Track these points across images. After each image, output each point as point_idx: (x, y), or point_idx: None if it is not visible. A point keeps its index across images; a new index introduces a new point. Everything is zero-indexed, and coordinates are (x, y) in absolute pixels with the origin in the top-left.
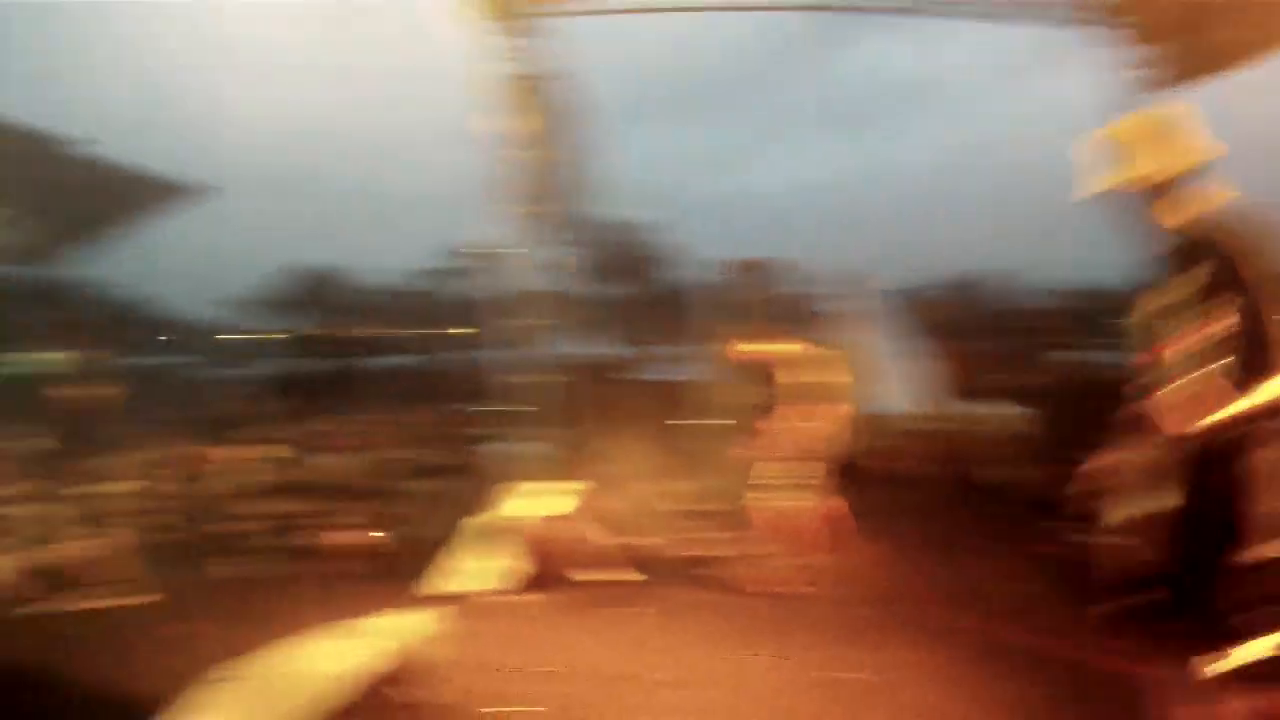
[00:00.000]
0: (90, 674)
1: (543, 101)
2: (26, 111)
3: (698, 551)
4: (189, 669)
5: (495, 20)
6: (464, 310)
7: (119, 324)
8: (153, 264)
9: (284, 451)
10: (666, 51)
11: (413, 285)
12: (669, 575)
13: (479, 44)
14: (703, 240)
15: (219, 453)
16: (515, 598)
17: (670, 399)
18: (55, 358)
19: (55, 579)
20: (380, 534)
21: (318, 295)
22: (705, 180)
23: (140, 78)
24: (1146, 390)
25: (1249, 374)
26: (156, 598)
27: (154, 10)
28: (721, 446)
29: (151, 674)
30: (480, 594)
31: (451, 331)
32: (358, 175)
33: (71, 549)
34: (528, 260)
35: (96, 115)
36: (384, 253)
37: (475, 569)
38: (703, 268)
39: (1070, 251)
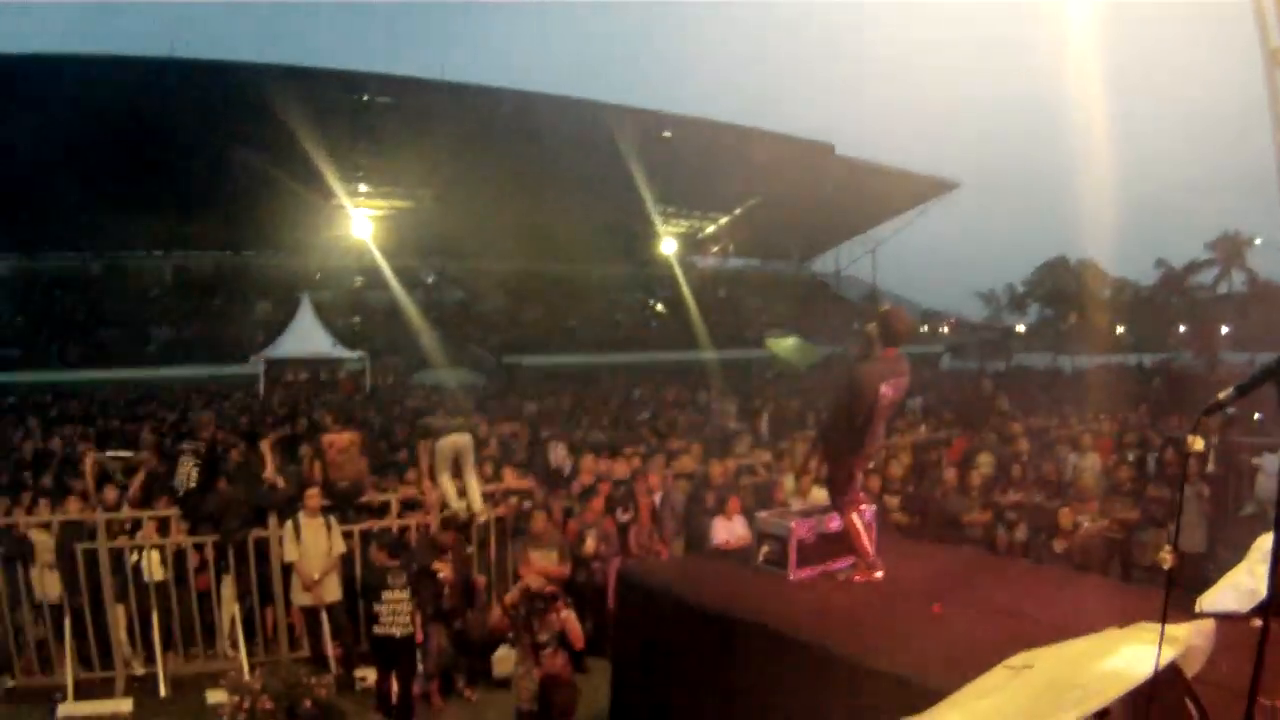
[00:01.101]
0: (853, 644)
1: None
2: (782, 119)
3: None
4: (946, 651)
5: None
6: (1223, 308)
7: (866, 314)
8: (908, 258)
9: (1023, 445)
10: None
11: (1168, 280)
12: None
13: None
14: None
15: (958, 440)
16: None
17: None
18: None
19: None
20: (1123, 536)
21: (1070, 289)
22: None
23: (891, 78)
24: None
25: None
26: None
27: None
28: None
29: (909, 651)
30: (1240, 615)
31: (1207, 330)
32: (1112, 164)
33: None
34: None
35: (853, 117)
36: (1139, 245)
37: (1239, 588)
38: None
39: None
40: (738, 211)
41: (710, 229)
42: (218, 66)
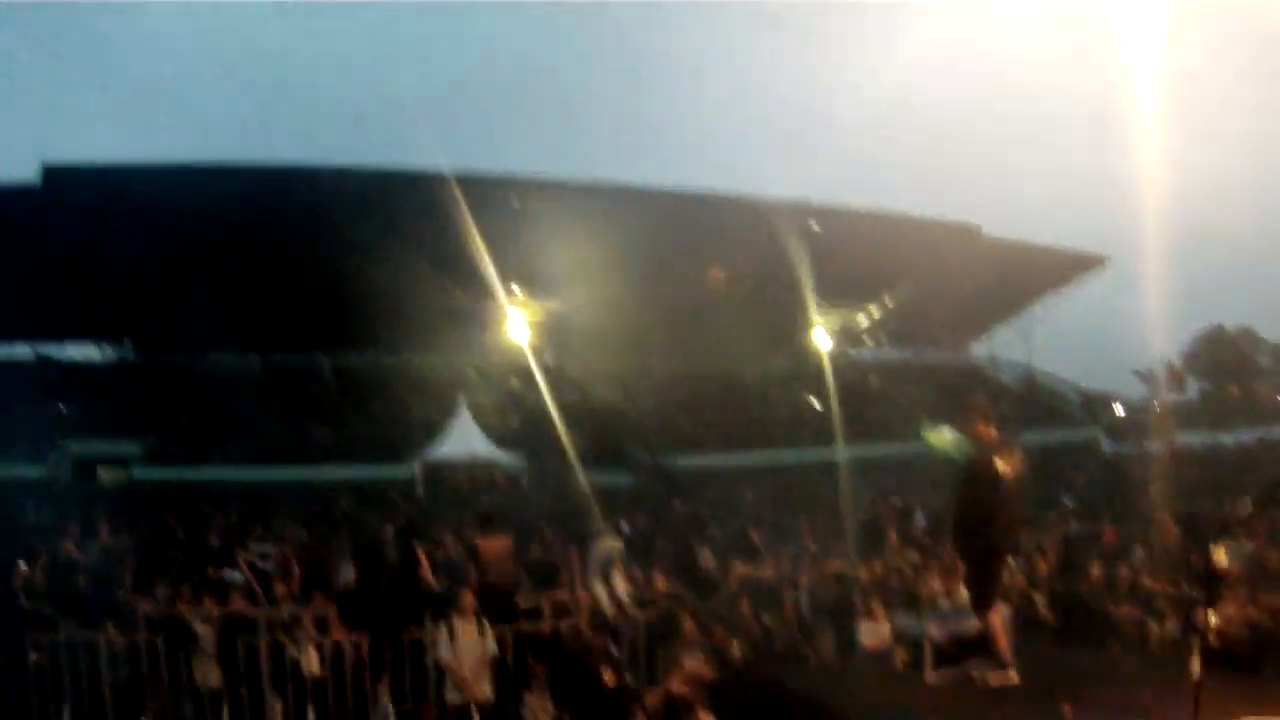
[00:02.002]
0: None
1: None
2: (918, 203)
3: None
4: None
5: None
6: None
7: (1024, 399)
8: (1056, 338)
9: (1174, 533)
10: None
11: None
12: None
13: None
14: None
15: (1108, 532)
16: None
17: None
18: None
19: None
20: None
21: (1228, 360)
22: None
23: (1031, 152)
24: None
25: None
26: (1018, 679)
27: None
28: None
29: None
30: None
31: None
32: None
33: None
34: None
35: (995, 197)
36: None
37: None
38: None
39: None
40: (888, 301)
41: (861, 320)
42: (374, 173)
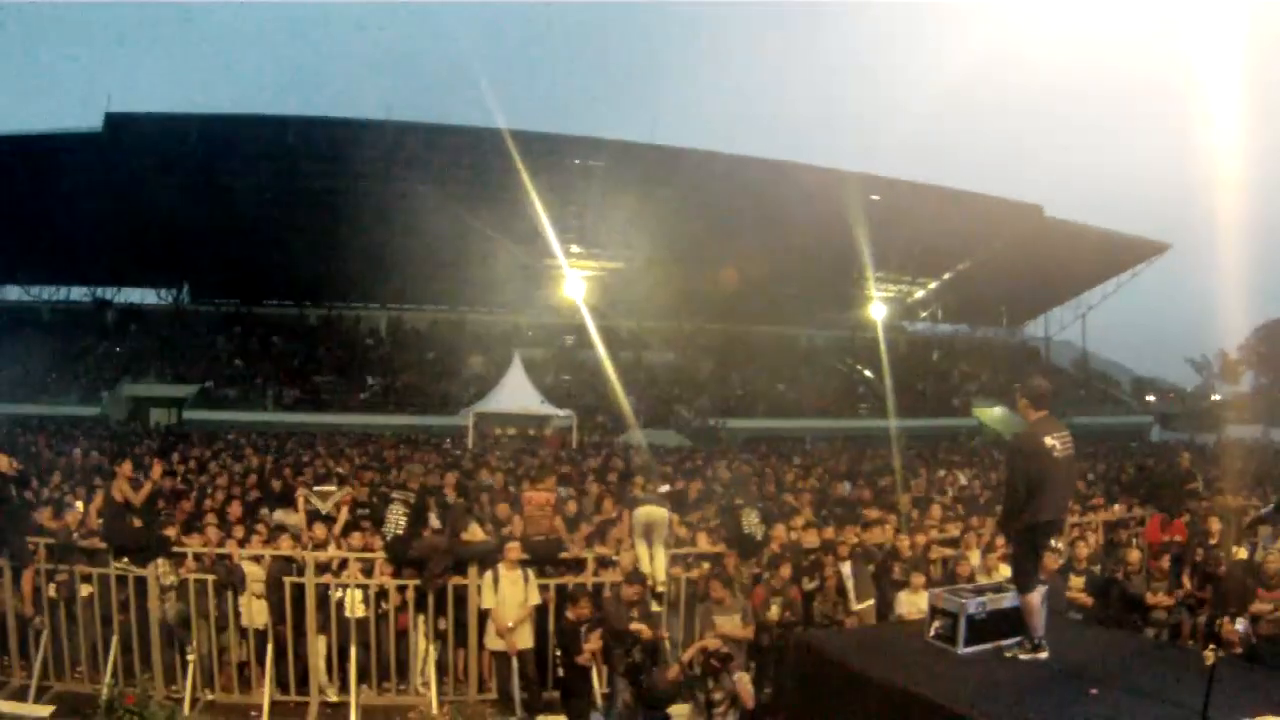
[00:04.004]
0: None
1: None
2: (990, 182)
3: None
4: None
5: None
6: None
7: (1076, 382)
8: (1119, 323)
9: (1214, 525)
10: None
11: None
12: None
13: None
14: None
15: (1153, 519)
16: None
17: None
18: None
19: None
20: None
21: None
22: None
23: (1100, 136)
24: None
25: None
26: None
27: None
28: None
29: None
30: None
31: None
32: None
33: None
34: None
35: (1062, 181)
36: None
37: None
38: None
39: None
40: (947, 275)
41: (919, 294)
42: (436, 129)
